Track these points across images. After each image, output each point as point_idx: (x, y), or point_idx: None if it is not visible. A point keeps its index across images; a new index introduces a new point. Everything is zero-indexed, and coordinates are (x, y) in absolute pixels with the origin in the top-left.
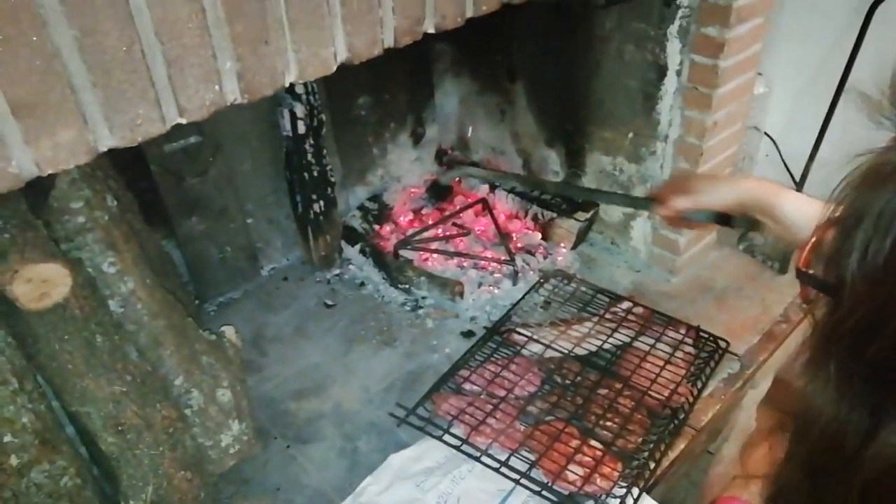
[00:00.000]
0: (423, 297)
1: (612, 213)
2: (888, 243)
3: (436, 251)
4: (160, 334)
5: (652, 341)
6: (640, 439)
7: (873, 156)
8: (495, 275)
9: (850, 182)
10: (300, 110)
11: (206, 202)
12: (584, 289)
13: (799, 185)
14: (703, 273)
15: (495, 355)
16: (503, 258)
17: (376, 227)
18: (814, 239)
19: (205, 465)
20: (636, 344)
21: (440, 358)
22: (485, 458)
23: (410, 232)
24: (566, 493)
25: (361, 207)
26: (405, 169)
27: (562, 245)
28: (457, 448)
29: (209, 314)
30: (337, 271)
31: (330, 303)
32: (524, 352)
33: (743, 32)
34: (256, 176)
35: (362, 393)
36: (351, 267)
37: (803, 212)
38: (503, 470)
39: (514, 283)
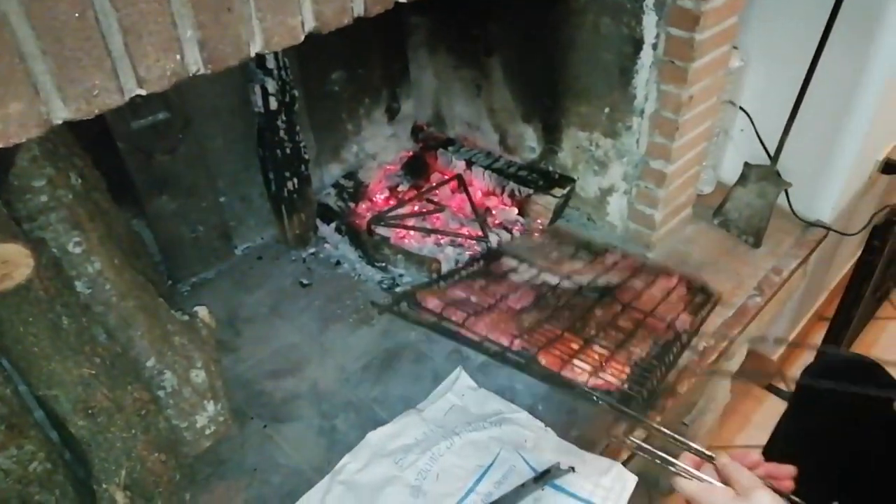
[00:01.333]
0: (400, 276)
1: (588, 188)
2: None
3: (412, 227)
4: (130, 315)
5: (643, 284)
6: (645, 351)
7: None
8: (471, 252)
9: None
10: (272, 86)
11: (177, 180)
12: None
13: (773, 160)
14: (679, 247)
15: (483, 278)
16: (479, 234)
17: (352, 204)
18: None
19: (180, 446)
20: (629, 284)
21: (418, 336)
22: (486, 344)
23: (386, 209)
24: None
25: (336, 185)
26: (380, 146)
27: (538, 221)
28: (454, 334)
29: (182, 295)
30: (312, 250)
31: (305, 282)
32: (513, 276)
33: (719, 5)
34: (228, 153)
35: (339, 372)
36: (326, 245)
37: None
38: (508, 356)
39: None
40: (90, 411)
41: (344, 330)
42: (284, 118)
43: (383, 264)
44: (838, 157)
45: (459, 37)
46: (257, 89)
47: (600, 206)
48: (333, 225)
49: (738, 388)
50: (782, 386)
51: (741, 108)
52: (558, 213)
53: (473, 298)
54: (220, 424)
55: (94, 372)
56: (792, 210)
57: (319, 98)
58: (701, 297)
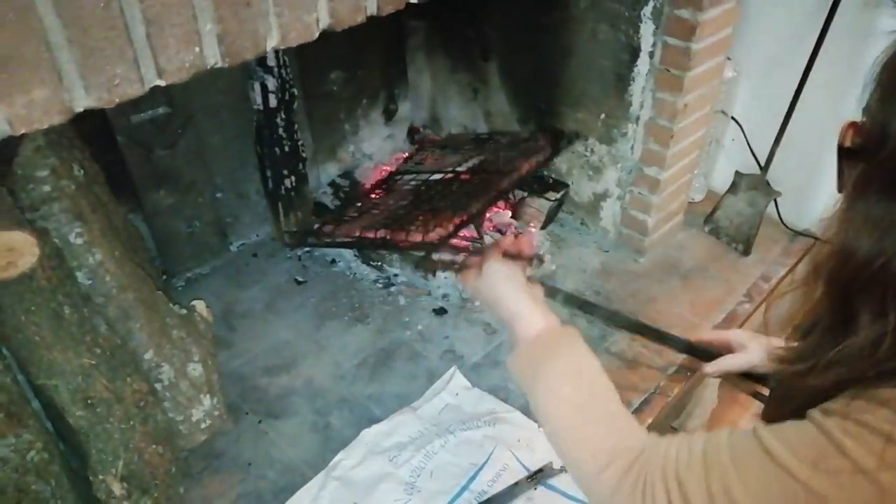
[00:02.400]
0: (395, 275)
1: (582, 193)
2: None
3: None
4: (130, 307)
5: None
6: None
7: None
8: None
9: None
10: (271, 83)
11: (175, 175)
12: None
13: (764, 170)
14: (671, 253)
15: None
16: (473, 236)
17: (348, 203)
18: (847, 130)
19: (176, 439)
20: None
21: (412, 335)
22: (361, 240)
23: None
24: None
25: (333, 184)
26: (377, 146)
27: (532, 224)
28: (339, 244)
29: (177, 290)
30: (307, 248)
31: (301, 279)
32: (404, 187)
33: (715, 15)
34: (226, 149)
35: (334, 369)
36: None
37: None
38: (375, 243)
39: None
40: (89, 401)
41: (339, 327)
42: (283, 116)
43: (378, 263)
44: (827, 168)
45: (457, 41)
46: (257, 86)
47: (594, 211)
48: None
49: (725, 395)
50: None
51: (733, 118)
52: (552, 216)
53: (367, 214)
54: (215, 419)
55: (94, 362)
56: (781, 219)
57: (318, 98)
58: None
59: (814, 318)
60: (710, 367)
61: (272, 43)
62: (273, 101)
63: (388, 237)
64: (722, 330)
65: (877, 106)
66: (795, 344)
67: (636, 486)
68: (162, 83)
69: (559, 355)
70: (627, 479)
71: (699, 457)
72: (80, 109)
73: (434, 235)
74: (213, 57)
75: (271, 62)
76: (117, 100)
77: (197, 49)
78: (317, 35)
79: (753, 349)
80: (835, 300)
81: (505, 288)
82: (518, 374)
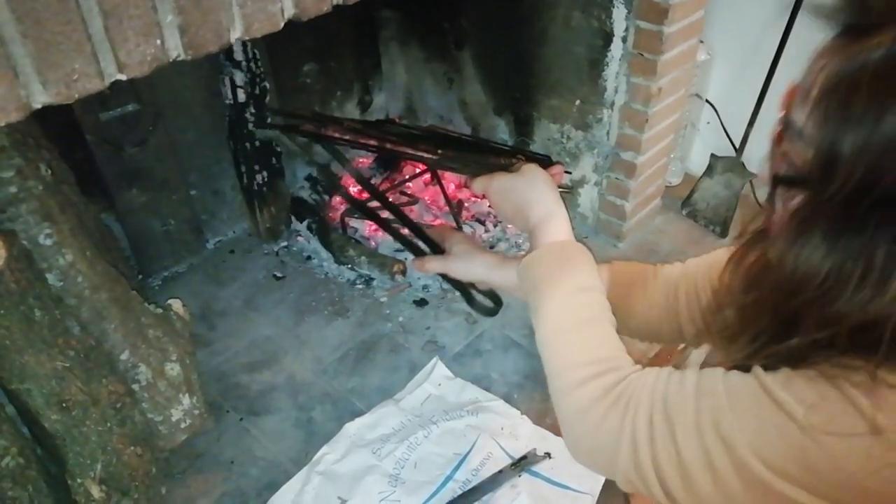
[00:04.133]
0: (371, 278)
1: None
2: (876, 116)
3: (386, 220)
4: (103, 308)
5: None
6: None
7: (841, 55)
8: None
9: (826, 83)
10: (239, 77)
11: (147, 173)
12: None
13: (739, 151)
14: (649, 238)
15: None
16: (452, 226)
17: (326, 197)
18: (777, 151)
19: (155, 440)
20: None
21: (393, 327)
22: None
23: (359, 202)
24: None
25: (309, 178)
26: None
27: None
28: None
29: (153, 289)
30: (285, 243)
31: (279, 275)
32: None
33: None
34: (199, 146)
35: (315, 364)
36: (299, 238)
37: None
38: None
39: None
40: (64, 405)
41: (319, 322)
42: (254, 111)
43: (349, 265)
44: None
45: (430, 30)
46: (227, 81)
47: (571, 198)
48: (305, 223)
49: None
50: None
51: (707, 100)
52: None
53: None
54: (195, 418)
55: (67, 365)
56: (757, 200)
57: (291, 91)
58: None
59: (755, 329)
60: (421, 263)
61: (236, 34)
62: (242, 96)
63: (389, 145)
64: (445, 227)
65: (819, 132)
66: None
67: (616, 404)
68: (123, 77)
69: (580, 269)
70: (609, 395)
71: (692, 386)
72: (39, 106)
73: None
74: (176, 49)
75: (239, 56)
76: (77, 95)
77: (158, 42)
78: (282, 25)
79: (475, 261)
80: (777, 319)
81: (543, 190)
82: (532, 274)
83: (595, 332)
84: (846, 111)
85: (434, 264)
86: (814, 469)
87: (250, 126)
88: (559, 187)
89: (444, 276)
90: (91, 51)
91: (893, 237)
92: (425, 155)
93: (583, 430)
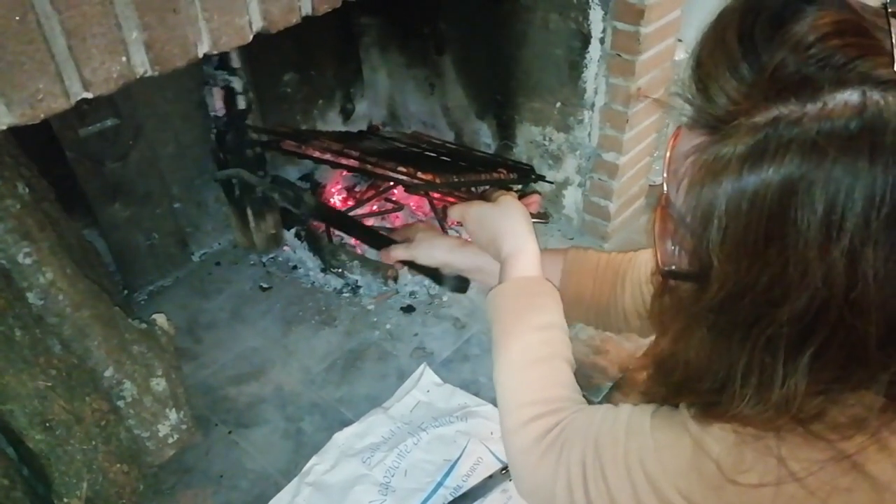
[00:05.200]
0: (358, 286)
1: (544, 182)
2: (742, 226)
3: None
4: (85, 325)
5: None
6: None
7: (700, 155)
8: None
9: (691, 184)
10: (239, 84)
11: (129, 187)
12: None
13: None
14: (634, 237)
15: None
16: (416, 222)
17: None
18: (660, 232)
19: (143, 456)
20: None
21: (381, 335)
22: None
23: (344, 210)
24: None
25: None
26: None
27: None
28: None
29: (139, 304)
30: (272, 254)
31: (265, 285)
32: None
33: None
34: (181, 159)
35: (303, 374)
36: (285, 248)
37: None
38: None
39: None
40: (48, 424)
41: (307, 332)
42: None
43: (339, 270)
44: None
45: (410, 36)
46: (215, 92)
47: (556, 200)
48: (293, 231)
49: None
50: None
51: None
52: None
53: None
54: (183, 432)
55: (50, 384)
56: None
57: (273, 100)
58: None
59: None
60: (387, 253)
61: (203, 48)
62: (243, 103)
63: (369, 166)
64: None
65: (693, 235)
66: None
67: (553, 445)
68: (89, 95)
69: (541, 306)
70: (547, 437)
71: (622, 426)
72: (3, 127)
73: (414, 173)
74: (142, 66)
75: (236, 63)
76: (42, 115)
77: (123, 59)
78: (251, 38)
79: (437, 245)
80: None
81: (517, 222)
82: (495, 307)
83: (546, 371)
84: (717, 228)
85: (399, 252)
86: None
87: (251, 133)
88: (535, 216)
89: (411, 264)
90: (55, 70)
91: (766, 346)
92: (406, 179)
93: (523, 470)
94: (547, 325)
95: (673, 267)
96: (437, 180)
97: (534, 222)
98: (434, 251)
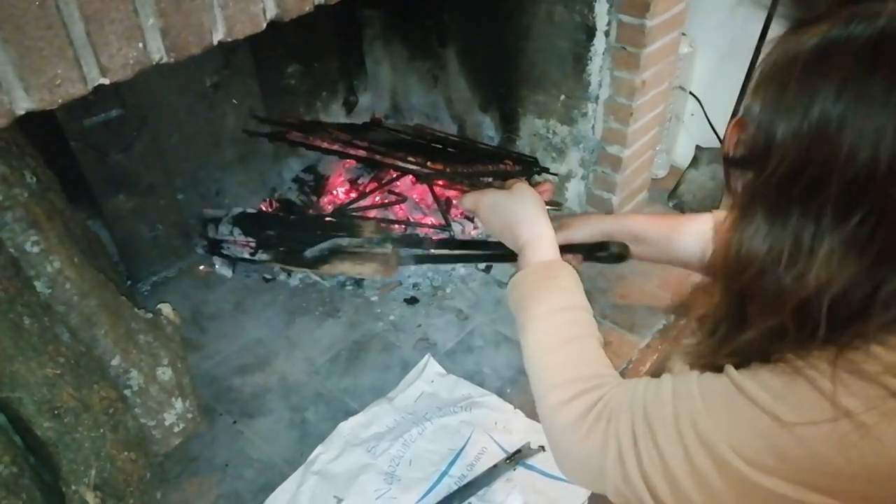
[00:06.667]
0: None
1: (548, 175)
2: (807, 106)
3: (374, 219)
4: (92, 314)
5: None
6: None
7: (773, 50)
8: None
9: (762, 78)
10: None
11: (133, 178)
12: None
13: (723, 142)
14: None
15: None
16: (441, 224)
17: (314, 198)
18: (732, 133)
19: (149, 444)
20: None
21: (385, 326)
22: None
23: (348, 202)
24: None
25: (297, 179)
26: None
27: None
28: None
29: (143, 294)
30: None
31: (269, 277)
32: None
33: None
34: (185, 150)
35: (307, 365)
36: None
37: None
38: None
39: None
40: (56, 412)
41: (310, 323)
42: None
43: None
44: None
45: (413, 28)
46: None
47: (559, 193)
48: None
49: None
50: None
51: (691, 93)
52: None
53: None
54: (188, 421)
55: (58, 372)
56: None
57: (276, 92)
58: None
59: (715, 318)
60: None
61: (218, 36)
62: None
63: (377, 156)
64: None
65: (760, 115)
66: (701, 338)
67: (599, 419)
68: (106, 81)
69: (565, 288)
70: (591, 412)
71: (668, 392)
72: (22, 112)
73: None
74: (158, 52)
75: None
76: (60, 100)
77: (140, 45)
78: (264, 26)
79: (587, 219)
80: (730, 302)
81: (532, 208)
82: (518, 293)
83: (578, 350)
84: (780, 97)
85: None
86: (789, 458)
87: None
88: (548, 204)
89: (570, 248)
90: (73, 56)
91: (817, 218)
92: (416, 168)
93: (569, 448)
94: (573, 306)
95: (742, 153)
96: (448, 170)
97: (546, 209)
98: (588, 224)
